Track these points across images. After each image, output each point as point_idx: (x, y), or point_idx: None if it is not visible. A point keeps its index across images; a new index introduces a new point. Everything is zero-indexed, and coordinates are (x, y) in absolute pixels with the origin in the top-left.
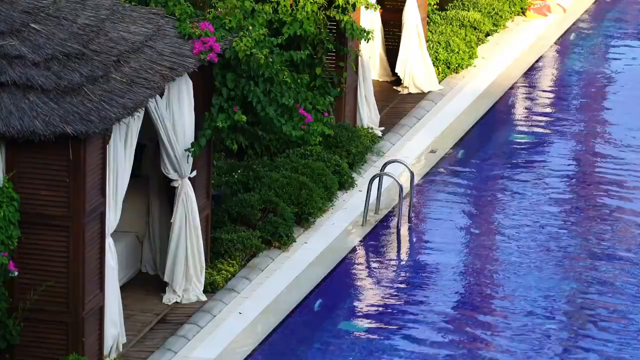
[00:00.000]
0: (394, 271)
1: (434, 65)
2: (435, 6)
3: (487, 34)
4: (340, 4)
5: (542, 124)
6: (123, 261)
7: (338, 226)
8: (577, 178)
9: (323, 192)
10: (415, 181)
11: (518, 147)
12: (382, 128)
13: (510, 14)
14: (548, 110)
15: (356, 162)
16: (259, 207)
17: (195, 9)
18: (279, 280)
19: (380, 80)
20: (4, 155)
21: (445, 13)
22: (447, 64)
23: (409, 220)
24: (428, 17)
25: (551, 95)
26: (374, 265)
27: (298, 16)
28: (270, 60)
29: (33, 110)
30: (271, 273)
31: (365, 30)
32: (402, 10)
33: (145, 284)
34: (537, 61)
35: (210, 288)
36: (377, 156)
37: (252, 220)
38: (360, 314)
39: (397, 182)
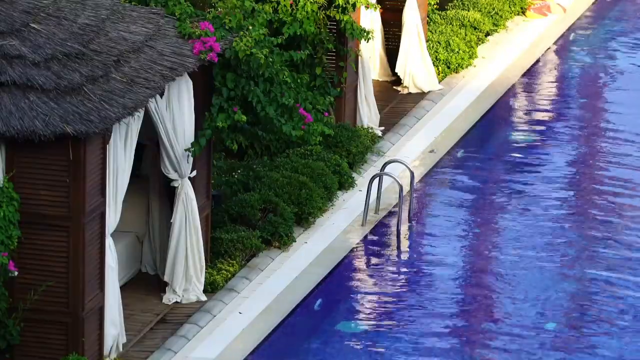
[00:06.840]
0: (393, 271)
1: (434, 65)
2: (435, 6)
3: (487, 34)
4: (340, 3)
5: (542, 123)
6: (123, 261)
7: (338, 226)
8: (577, 177)
9: (323, 192)
10: (415, 181)
11: (518, 147)
12: (382, 128)
13: (510, 13)
14: (548, 109)
15: (356, 162)
16: (259, 207)
17: (195, 9)
18: (279, 280)
19: (380, 80)
20: (4, 155)
21: (445, 13)
22: (447, 64)
23: (409, 220)
24: (428, 17)
25: (551, 95)
26: (373, 265)
27: (298, 16)
28: (270, 60)
29: (33, 110)
30: (271, 273)
31: (365, 30)
32: (402, 10)
33: (145, 284)
34: (537, 61)
35: (210, 288)
36: (377, 156)
37: (252, 220)
38: (360, 314)
39: (397, 182)
